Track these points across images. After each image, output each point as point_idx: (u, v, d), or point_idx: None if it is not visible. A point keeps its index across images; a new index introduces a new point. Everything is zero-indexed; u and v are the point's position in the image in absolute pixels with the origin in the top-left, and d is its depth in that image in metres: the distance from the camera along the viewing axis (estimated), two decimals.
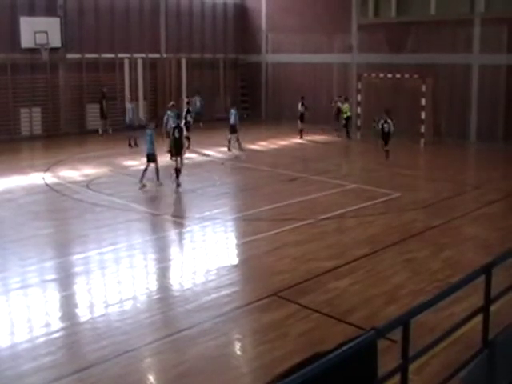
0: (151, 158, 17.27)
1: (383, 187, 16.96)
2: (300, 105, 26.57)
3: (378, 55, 27.66)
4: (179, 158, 17.41)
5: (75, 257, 11.50)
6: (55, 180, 18.16)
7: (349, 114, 26.20)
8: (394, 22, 27.94)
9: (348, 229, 13.53)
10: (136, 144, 23.84)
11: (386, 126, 20.54)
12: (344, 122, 26.25)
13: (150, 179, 17.23)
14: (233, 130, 23.43)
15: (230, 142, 23.41)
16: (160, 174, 17.28)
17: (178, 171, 17.14)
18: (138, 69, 29.88)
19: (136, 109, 26.45)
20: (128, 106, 25.70)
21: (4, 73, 25.72)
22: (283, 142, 25.85)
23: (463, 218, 14.14)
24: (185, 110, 23.58)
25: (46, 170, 19.46)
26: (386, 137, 20.70)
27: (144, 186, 16.94)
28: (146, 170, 17.18)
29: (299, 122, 26.33)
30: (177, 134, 17.52)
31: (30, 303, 9.40)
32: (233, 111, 23.74)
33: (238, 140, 23.53)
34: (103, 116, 27.89)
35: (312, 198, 16.00)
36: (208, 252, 11.90)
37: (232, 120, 23.45)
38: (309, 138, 26.49)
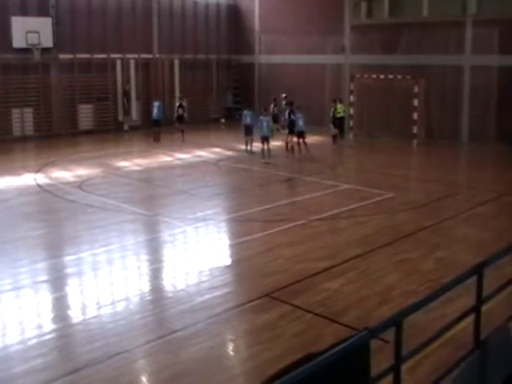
0: (265, 139, 21.45)
1: (376, 188, 17.00)
2: (272, 106, 26.43)
3: (370, 56, 27.72)
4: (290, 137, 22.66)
5: (68, 258, 11.46)
6: (47, 181, 18.10)
7: (343, 114, 26.21)
8: (387, 23, 28.02)
9: (341, 229, 13.54)
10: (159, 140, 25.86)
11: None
12: (337, 122, 26.19)
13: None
14: (249, 131, 23.01)
15: (247, 143, 23.07)
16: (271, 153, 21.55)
17: (288, 146, 22.66)
18: (130, 69, 29.82)
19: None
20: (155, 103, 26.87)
21: None
22: (275, 143, 25.81)
23: (455, 218, 14.19)
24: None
25: (38, 171, 19.40)
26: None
27: (267, 162, 20.95)
28: (263, 149, 21.47)
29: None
30: (292, 117, 22.67)
31: (21, 305, 9.36)
32: (247, 112, 23.52)
33: (252, 141, 22.98)
34: (126, 112, 29.25)
35: (305, 199, 16.02)
36: (201, 253, 11.88)
37: (248, 121, 23.12)
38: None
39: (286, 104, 24.93)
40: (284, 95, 27.19)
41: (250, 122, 23.14)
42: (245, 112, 23.82)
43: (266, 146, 21.45)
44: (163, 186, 17.82)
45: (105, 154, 22.76)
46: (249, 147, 23.00)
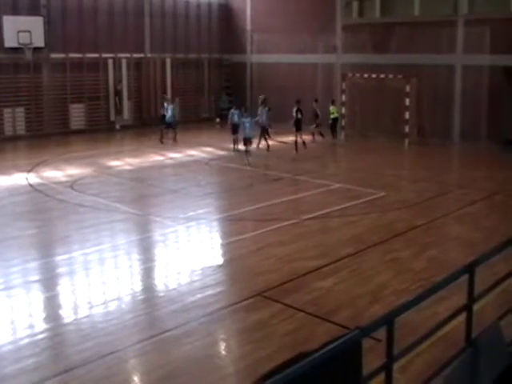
0: (248, 141, 20.88)
1: (367, 187, 17.03)
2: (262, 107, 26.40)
3: (362, 55, 27.77)
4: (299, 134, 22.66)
5: (59, 258, 11.43)
6: (39, 180, 18.02)
7: (336, 115, 26.26)
8: (378, 23, 28.08)
9: (332, 228, 13.56)
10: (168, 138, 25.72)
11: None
12: (330, 122, 26.20)
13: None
14: (236, 130, 23.13)
15: (234, 142, 23.19)
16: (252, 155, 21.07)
17: (296, 144, 22.60)
18: (122, 69, 29.74)
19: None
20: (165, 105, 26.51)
21: None
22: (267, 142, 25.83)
23: (447, 217, 14.25)
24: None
25: (29, 171, 19.32)
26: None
27: (249, 163, 20.37)
28: (246, 151, 20.77)
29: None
30: (299, 116, 22.77)
31: (13, 304, 9.32)
32: (235, 111, 23.64)
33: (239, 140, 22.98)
34: (117, 111, 29.10)
35: (296, 198, 16.03)
36: (193, 252, 11.87)
37: (236, 119, 23.28)
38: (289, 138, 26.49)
39: (264, 104, 24.81)
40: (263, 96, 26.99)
41: (238, 121, 23.19)
42: (232, 111, 23.99)
43: (249, 147, 21.02)
44: (155, 185, 17.78)
45: (96, 154, 22.70)
46: (236, 146, 23.06)
